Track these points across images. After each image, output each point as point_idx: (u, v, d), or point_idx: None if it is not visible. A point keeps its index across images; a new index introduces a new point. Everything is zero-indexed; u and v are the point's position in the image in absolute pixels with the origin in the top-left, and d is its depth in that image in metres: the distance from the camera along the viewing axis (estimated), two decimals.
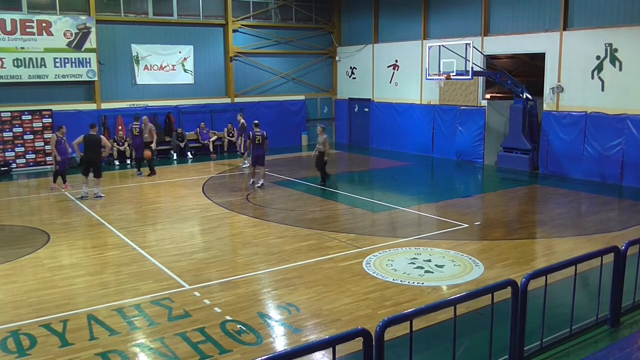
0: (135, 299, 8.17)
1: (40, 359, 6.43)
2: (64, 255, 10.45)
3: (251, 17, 24.50)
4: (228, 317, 7.46)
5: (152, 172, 18.46)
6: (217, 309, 7.74)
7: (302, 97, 26.10)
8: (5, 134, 19.81)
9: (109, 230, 12.03)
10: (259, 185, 16.29)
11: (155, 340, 6.85)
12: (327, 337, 6.02)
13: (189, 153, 22.47)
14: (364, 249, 10.45)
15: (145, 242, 11.14)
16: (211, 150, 22.68)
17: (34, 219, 13.14)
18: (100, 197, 15.10)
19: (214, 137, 22.95)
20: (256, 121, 16.96)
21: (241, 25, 24.14)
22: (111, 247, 10.82)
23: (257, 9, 24.59)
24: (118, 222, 12.60)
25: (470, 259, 9.78)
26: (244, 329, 7.13)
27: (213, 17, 23.66)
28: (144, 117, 19.30)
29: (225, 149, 23.21)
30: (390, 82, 24.02)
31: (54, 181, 16.45)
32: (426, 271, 9.20)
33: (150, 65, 22.37)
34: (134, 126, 19.00)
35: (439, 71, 18.70)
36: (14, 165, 19.86)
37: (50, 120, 20.33)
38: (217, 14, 23.72)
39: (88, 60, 20.93)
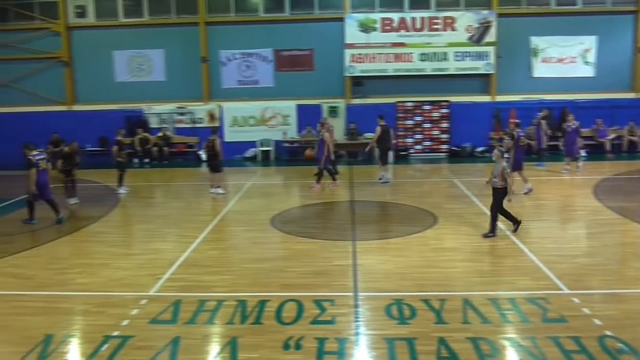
0: (510, 292, 8.12)
1: (418, 330, 6.97)
2: (448, 238, 11.06)
3: None
4: (608, 332, 6.78)
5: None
6: (597, 321, 7.11)
7: None
8: (407, 122, 22.02)
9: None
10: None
11: (526, 338, 6.70)
12: None
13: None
14: None
15: (526, 237, 10.90)
16: (608, 149, 20.80)
17: (425, 201, 14.23)
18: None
19: (612, 135, 21.00)
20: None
21: None
22: (491, 238, 10.94)
23: None
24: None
25: None
26: (626, 348, 6.39)
27: (621, 5, 21.52)
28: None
29: (625, 149, 21.04)
30: None
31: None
32: None
33: (549, 58, 21.76)
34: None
35: None
36: (411, 150, 21.94)
37: (447, 110, 21.72)
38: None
39: (486, 54, 21.53)
